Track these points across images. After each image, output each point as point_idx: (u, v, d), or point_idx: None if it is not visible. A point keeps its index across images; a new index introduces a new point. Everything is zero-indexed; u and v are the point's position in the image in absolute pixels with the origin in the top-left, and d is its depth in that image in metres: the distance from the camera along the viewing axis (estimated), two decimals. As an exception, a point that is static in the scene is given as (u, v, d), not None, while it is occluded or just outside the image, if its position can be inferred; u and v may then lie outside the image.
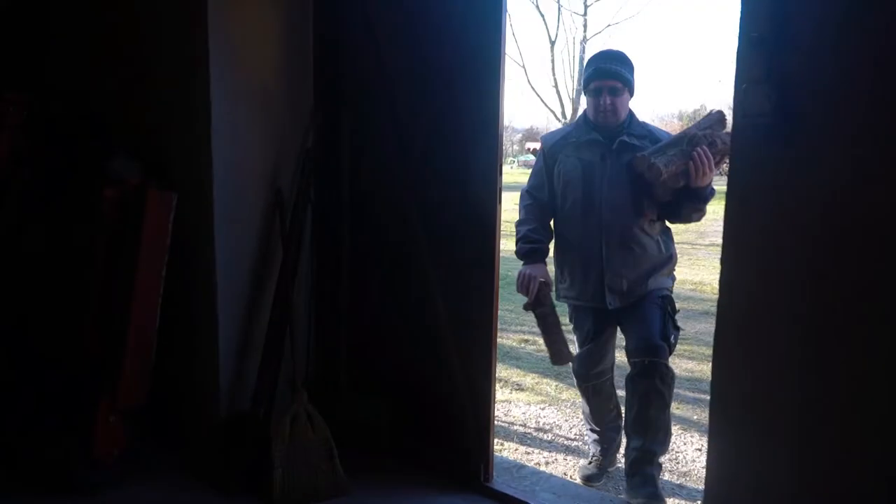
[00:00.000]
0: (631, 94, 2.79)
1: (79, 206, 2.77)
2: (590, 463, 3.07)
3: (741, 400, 1.85)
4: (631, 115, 2.81)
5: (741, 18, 1.77)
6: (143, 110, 3.06)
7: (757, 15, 1.74)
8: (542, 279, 2.75)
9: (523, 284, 2.77)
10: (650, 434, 2.67)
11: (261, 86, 2.91)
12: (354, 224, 3.03)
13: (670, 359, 2.70)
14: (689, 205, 2.65)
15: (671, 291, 2.81)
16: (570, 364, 2.91)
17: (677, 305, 2.81)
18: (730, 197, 1.82)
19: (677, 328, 2.75)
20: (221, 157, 2.78)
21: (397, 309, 2.97)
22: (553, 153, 2.85)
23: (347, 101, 3.00)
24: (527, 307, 2.80)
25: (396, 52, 2.83)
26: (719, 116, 2.65)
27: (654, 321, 2.68)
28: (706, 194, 2.65)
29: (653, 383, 2.62)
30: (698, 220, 2.74)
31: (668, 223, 2.83)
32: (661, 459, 2.79)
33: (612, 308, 2.75)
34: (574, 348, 2.96)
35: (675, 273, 2.89)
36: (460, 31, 2.64)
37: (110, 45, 3.21)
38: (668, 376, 2.65)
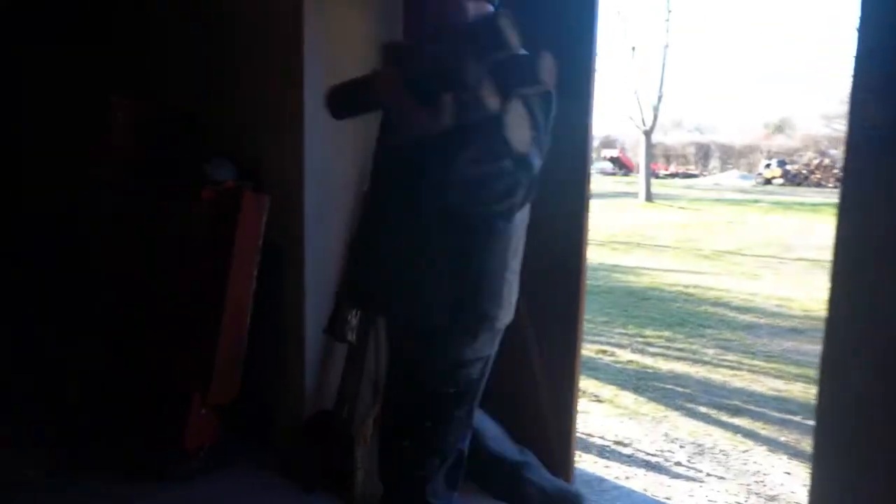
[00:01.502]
0: None
1: (178, 206, 2.88)
2: None
3: (851, 426, 1.75)
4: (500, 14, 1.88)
5: (859, 27, 1.69)
6: (239, 114, 3.17)
7: (876, 23, 1.65)
8: None
9: None
10: None
11: (351, 92, 2.95)
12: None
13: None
14: None
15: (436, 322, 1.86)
16: None
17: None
18: (842, 210, 1.73)
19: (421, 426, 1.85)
20: (313, 160, 2.85)
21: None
22: None
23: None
24: None
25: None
26: None
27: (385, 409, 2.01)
28: (430, 147, 1.64)
29: None
30: (465, 206, 1.65)
31: None
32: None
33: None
34: None
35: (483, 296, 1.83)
36: (552, 32, 2.61)
37: (208, 51, 3.34)
38: None
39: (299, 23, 2.76)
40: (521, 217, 1.76)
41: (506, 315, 1.80)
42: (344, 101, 1.87)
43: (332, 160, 2.91)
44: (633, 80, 22.31)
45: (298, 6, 2.75)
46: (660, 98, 22.14)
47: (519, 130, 1.54)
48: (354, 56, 2.95)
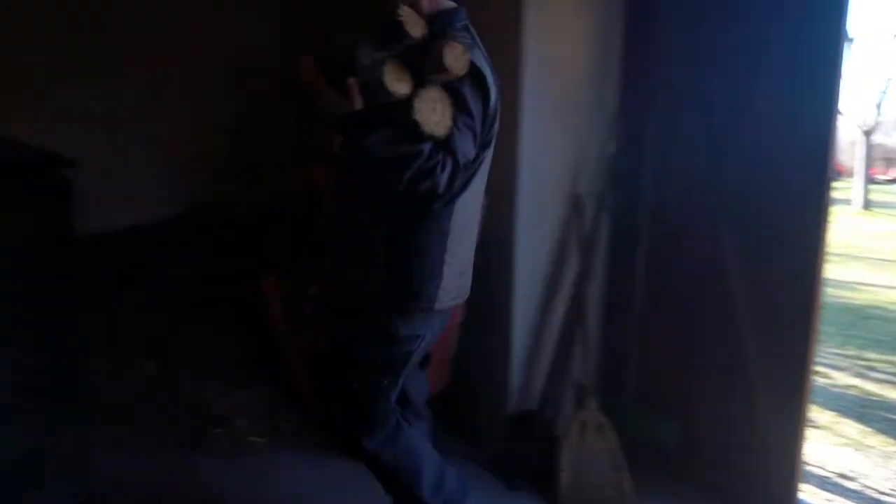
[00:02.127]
0: None
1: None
2: None
3: None
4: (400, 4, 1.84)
5: None
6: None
7: None
8: None
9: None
10: None
11: (566, 89, 2.93)
12: (654, 233, 2.94)
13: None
14: None
15: (387, 301, 1.89)
16: None
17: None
18: None
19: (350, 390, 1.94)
20: (527, 161, 2.86)
21: (695, 324, 2.82)
22: None
23: (656, 104, 2.91)
24: None
25: (713, 34, 2.69)
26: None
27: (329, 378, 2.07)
28: (345, 128, 1.71)
29: None
30: (380, 182, 1.72)
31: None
32: None
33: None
34: None
35: (430, 282, 1.86)
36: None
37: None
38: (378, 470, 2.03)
39: (518, 13, 2.77)
40: (466, 203, 1.85)
41: (446, 297, 1.87)
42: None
43: (546, 162, 2.91)
44: (853, 73, 20.23)
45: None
46: (883, 94, 19.87)
47: (432, 114, 1.60)
48: (570, 52, 2.93)
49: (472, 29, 1.88)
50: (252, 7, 4.06)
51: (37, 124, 3.41)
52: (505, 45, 2.86)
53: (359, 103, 1.59)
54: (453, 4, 1.85)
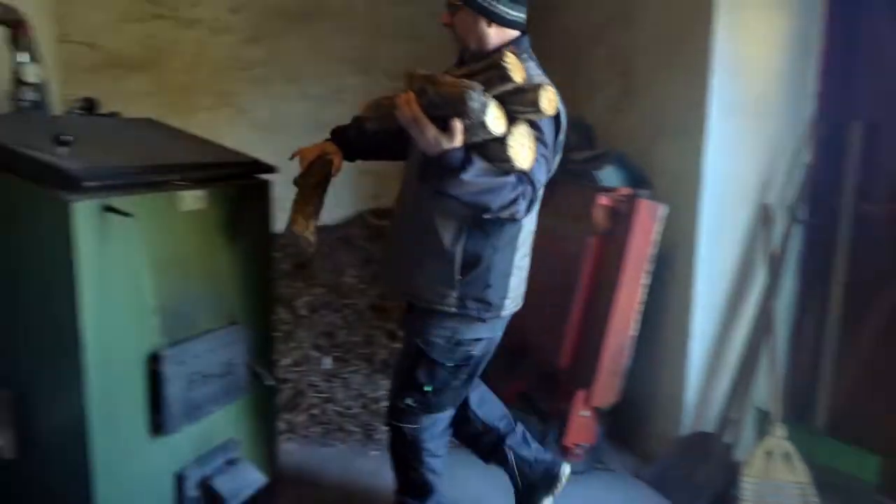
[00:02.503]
0: (485, 15, 1.96)
1: (574, 213, 2.99)
2: None
3: None
4: (500, 49, 1.96)
5: None
6: (632, 120, 3.18)
7: None
8: (326, 152, 2.14)
9: (300, 153, 2.17)
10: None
11: (757, 95, 2.76)
12: (854, 250, 2.68)
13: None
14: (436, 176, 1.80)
15: (462, 309, 2.01)
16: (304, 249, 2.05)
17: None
18: None
19: (421, 389, 2.10)
20: (713, 170, 2.73)
21: (902, 352, 2.55)
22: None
23: (859, 110, 2.67)
24: (294, 180, 2.11)
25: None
26: (496, 63, 1.74)
27: (398, 371, 2.22)
28: (443, 166, 1.75)
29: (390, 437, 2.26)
30: (470, 214, 1.88)
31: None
32: None
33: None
34: None
35: (495, 292, 2.03)
36: None
37: (601, 58, 3.41)
38: (401, 444, 2.21)
39: (708, 12, 2.65)
40: (530, 222, 2.08)
41: (511, 305, 2.11)
42: (372, 113, 2.02)
43: (733, 169, 2.75)
44: None
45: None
46: None
47: (522, 150, 1.75)
48: (762, 56, 2.76)
49: (533, 55, 2.06)
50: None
51: (243, 134, 3.74)
52: (692, 46, 2.76)
53: (459, 141, 1.72)
54: (517, 33, 2.02)
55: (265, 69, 4.05)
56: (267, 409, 2.39)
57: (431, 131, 1.72)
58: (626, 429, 3.05)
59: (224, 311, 2.13)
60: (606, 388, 2.76)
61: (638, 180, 3.00)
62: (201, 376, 1.98)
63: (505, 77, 1.71)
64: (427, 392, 2.10)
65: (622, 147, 3.15)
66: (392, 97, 1.85)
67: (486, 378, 2.38)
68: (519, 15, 2.00)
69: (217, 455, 2.11)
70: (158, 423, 1.87)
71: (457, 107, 1.68)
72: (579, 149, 3.29)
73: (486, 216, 1.84)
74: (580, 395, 2.77)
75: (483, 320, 2.05)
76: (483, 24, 1.98)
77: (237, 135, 3.56)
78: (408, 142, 1.89)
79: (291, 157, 2.18)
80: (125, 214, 1.68)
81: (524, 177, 1.80)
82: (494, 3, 1.96)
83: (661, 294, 2.88)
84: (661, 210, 2.72)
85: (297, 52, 4.07)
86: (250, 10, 3.99)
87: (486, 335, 2.10)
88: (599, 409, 2.81)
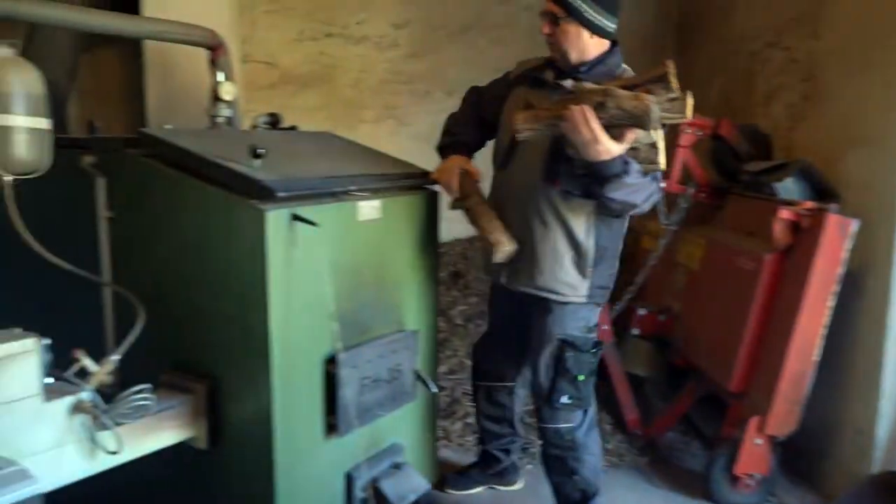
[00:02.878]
0: (590, 29, 2.08)
1: (749, 228, 2.81)
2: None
3: None
4: (603, 60, 2.14)
5: None
6: (817, 127, 2.95)
7: None
8: (463, 168, 2.25)
9: (441, 179, 2.26)
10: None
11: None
12: None
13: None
14: (590, 183, 2.03)
15: (589, 298, 2.21)
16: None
17: None
18: None
19: (575, 384, 2.21)
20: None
21: None
22: (519, 78, 2.30)
23: None
24: (453, 205, 2.26)
25: None
26: (661, 74, 1.87)
27: (542, 372, 2.25)
28: (603, 172, 1.96)
29: (545, 446, 2.36)
30: (620, 210, 2.10)
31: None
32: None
33: (507, 285, 2.27)
34: None
35: (612, 276, 2.26)
36: None
37: (779, 62, 3.19)
38: (561, 448, 2.30)
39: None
40: None
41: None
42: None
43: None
44: None
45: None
46: None
47: (661, 153, 1.94)
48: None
49: None
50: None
51: (403, 145, 3.85)
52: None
53: (625, 147, 1.92)
54: (609, 43, 2.15)
55: (425, 83, 4.15)
56: (429, 416, 2.43)
57: (606, 141, 1.88)
58: (805, 462, 2.81)
59: (393, 318, 2.19)
60: (784, 416, 2.56)
61: (822, 193, 2.77)
62: (372, 381, 2.04)
63: (669, 89, 1.85)
64: (579, 382, 2.21)
65: (804, 157, 2.92)
66: (552, 109, 1.98)
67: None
68: (615, 26, 2.11)
69: (384, 458, 2.16)
70: (333, 424, 1.94)
71: (639, 119, 1.84)
72: (754, 159, 3.10)
73: (632, 212, 2.11)
74: (754, 421, 2.58)
75: (600, 305, 2.27)
76: (585, 35, 2.09)
77: (397, 146, 3.65)
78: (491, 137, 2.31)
79: (432, 183, 2.30)
80: (312, 224, 1.76)
81: (661, 175, 2.07)
82: (597, 15, 2.06)
83: (848, 317, 2.63)
84: (853, 226, 2.49)
85: (456, 65, 4.13)
86: (414, 26, 4.11)
87: (599, 320, 2.34)
88: (774, 439, 2.61)
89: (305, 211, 1.79)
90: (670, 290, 3.28)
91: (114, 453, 1.59)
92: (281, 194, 1.74)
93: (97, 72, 3.31)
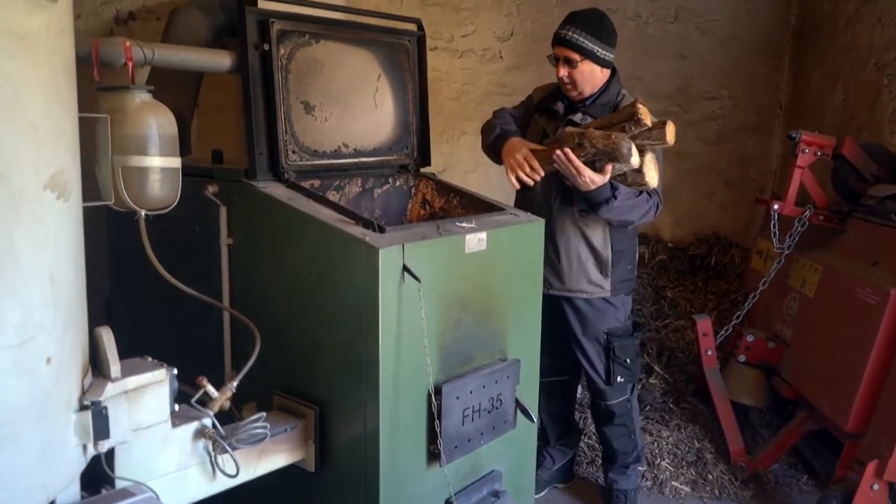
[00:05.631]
0: (600, 64, 2.41)
1: (874, 257, 2.65)
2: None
3: None
4: (605, 90, 2.49)
5: None
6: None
7: None
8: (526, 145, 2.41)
9: (515, 162, 2.34)
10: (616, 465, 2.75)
11: None
12: None
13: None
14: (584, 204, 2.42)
15: (615, 292, 2.57)
16: None
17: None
18: None
19: (626, 365, 2.58)
20: None
21: None
22: (538, 107, 2.63)
23: None
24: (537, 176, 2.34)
25: None
26: (631, 113, 2.18)
27: (595, 361, 2.59)
28: (593, 198, 2.32)
29: (602, 425, 2.72)
30: (619, 226, 2.49)
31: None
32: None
33: (553, 293, 2.56)
34: None
35: (632, 270, 2.64)
36: None
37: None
38: (619, 415, 2.64)
39: None
40: None
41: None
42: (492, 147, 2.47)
43: None
44: None
45: None
46: None
47: (651, 172, 2.21)
48: None
49: None
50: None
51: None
52: None
53: (608, 178, 2.21)
54: (607, 73, 2.46)
55: (528, 94, 4.12)
56: (529, 443, 2.43)
57: (588, 174, 2.19)
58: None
59: (496, 347, 2.19)
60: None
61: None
62: (473, 410, 2.05)
63: (640, 123, 2.14)
64: (628, 364, 2.57)
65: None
66: (547, 151, 2.27)
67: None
68: (614, 55, 2.44)
69: (483, 486, 2.18)
70: (436, 452, 1.96)
71: (612, 154, 2.15)
72: (880, 182, 2.92)
73: (631, 227, 2.49)
74: (872, 465, 2.44)
75: (629, 294, 2.63)
76: (597, 70, 2.41)
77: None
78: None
79: (518, 182, 2.36)
80: (416, 279, 1.80)
81: (654, 191, 2.35)
82: (605, 52, 2.38)
83: None
84: None
85: (559, 76, 4.09)
86: (517, 38, 4.09)
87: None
88: (894, 485, 2.46)
89: (416, 247, 1.82)
90: (780, 315, 3.14)
91: (232, 476, 1.68)
92: (393, 234, 1.78)
93: (217, 84, 3.46)
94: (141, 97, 1.66)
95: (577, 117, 2.45)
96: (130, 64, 1.74)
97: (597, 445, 3.08)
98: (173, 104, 1.77)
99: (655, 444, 3.15)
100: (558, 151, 2.20)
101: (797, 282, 3.07)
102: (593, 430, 3.07)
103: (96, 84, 1.69)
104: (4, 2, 1.10)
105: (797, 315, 3.03)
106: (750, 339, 3.10)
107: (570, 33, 2.35)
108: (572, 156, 2.18)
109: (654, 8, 4.18)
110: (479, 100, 4.13)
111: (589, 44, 2.34)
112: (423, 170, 2.55)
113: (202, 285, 1.91)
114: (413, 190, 2.52)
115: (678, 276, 4.16)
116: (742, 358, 3.13)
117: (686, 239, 4.36)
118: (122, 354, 1.47)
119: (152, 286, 1.85)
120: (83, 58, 1.69)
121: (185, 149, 2.01)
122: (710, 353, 3.17)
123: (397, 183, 2.47)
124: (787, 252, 3.07)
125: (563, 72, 2.40)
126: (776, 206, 3.07)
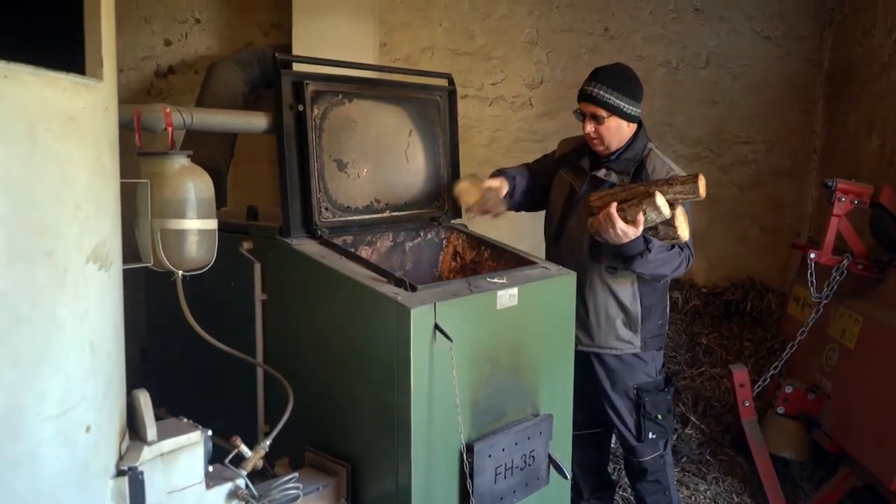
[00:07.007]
0: (627, 119, 2.40)
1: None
2: None
3: None
4: (630, 144, 2.46)
5: None
6: None
7: None
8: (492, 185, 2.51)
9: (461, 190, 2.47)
10: None
11: None
12: None
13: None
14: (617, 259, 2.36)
15: (645, 348, 2.52)
16: None
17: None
18: None
19: (658, 421, 2.51)
20: None
21: None
22: (562, 160, 2.64)
23: None
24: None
25: None
26: (690, 184, 2.18)
27: (626, 417, 2.53)
28: (626, 252, 2.27)
29: (635, 481, 2.67)
30: (651, 280, 2.45)
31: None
32: None
33: (582, 349, 2.50)
34: None
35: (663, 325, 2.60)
36: None
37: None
38: (652, 472, 2.58)
39: None
40: None
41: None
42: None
43: None
44: None
45: None
46: None
47: (683, 225, 2.22)
48: None
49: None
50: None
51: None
52: None
53: (640, 229, 2.19)
54: (634, 127, 2.46)
55: (558, 140, 4.14)
56: (561, 500, 2.39)
57: (621, 226, 2.16)
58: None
59: (528, 402, 2.18)
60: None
61: None
62: (506, 468, 2.03)
63: (673, 179, 2.22)
64: (660, 420, 2.51)
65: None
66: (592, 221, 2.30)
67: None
68: (640, 109, 2.44)
69: (515, 544, 2.14)
70: (466, 511, 1.95)
71: (645, 212, 2.16)
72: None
73: (662, 281, 2.47)
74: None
75: (660, 349, 2.59)
76: (624, 125, 2.40)
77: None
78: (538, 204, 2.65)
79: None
80: (448, 338, 1.80)
81: (685, 244, 2.32)
82: (632, 107, 2.38)
83: None
84: None
85: (589, 122, 4.11)
86: (546, 85, 4.13)
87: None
88: None
89: (447, 305, 1.83)
90: (820, 366, 3.07)
91: (264, 536, 1.68)
92: (423, 289, 1.79)
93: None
94: (180, 162, 1.71)
95: (602, 173, 2.44)
96: (170, 129, 1.80)
97: (632, 499, 3.02)
98: (210, 157, 1.83)
99: (693, 497, 3.07)
100: (602, 214, 2.20)
101: (837, 332, 3.00)
102: (628, 482, 3.00)
103: (137, 150, 1.74)
104: (53, 84, 1.15)
105: (837, 366, 2.96)
106: (789, 389, 3.03)
107: (595, 89, 2.34)
108: (615, 215, 2.15)
109: (684, 54, 4.20)
110: (509, 146, 4.16)
111: (615, 100, 2.34)
112: (453, 221, 2.57)
113: (236, 339, 1.94)
114: (444, 242, 2.54)
115: (713, 322, 4.09)
116: (781, 409, 3.06)
117: (720, 284, 4.30)
118: (157, 403, 1.50)
119: (188, 338, 1.88)
120: (125, 123, 1.75)
121: (220, 201, 2.07)
122: (747, 404, 3.10)
123: (428, 236, 2.49)
124: (825, 301, 3.01)
125: (590, 127, 2.39)
126: (813, 255, 3.01)
